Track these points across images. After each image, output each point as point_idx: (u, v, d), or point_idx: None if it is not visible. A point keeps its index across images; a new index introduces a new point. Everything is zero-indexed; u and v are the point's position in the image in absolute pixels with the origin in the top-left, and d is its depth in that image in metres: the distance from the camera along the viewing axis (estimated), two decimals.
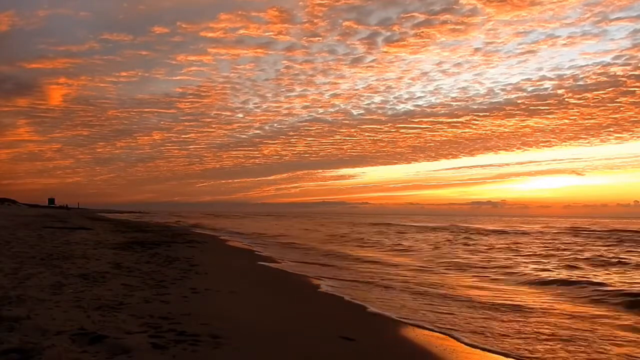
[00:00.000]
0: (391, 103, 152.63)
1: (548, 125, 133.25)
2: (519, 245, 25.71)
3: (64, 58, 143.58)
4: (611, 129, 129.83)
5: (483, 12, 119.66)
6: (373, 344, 6.17)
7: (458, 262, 17.22)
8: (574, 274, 13.86)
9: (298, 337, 6.08)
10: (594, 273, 14.20)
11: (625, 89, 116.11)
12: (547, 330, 7.28)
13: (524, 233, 38.83)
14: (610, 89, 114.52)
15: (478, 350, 6.14)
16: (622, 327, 7.67)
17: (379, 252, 22.02)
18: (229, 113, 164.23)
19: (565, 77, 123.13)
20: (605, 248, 23.59)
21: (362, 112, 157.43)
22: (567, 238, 31.96)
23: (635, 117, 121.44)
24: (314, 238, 31.33)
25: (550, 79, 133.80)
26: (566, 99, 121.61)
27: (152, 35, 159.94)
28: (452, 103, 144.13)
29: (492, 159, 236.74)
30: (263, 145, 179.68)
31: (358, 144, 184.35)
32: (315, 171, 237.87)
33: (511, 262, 17.31)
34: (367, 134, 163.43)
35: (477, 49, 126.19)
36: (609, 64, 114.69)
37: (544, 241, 28.93)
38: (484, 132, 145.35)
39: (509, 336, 6.86)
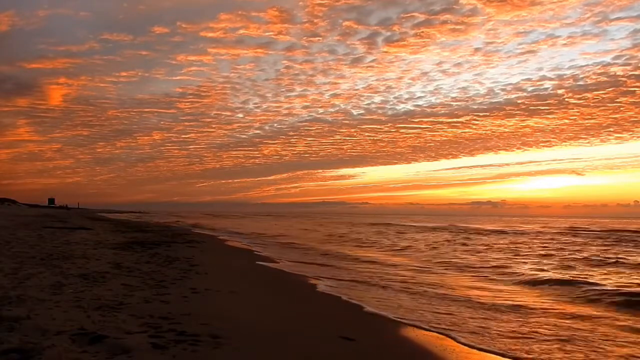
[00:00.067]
0: (391, 103, 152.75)
1: (548, 125, 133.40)
2: (517, 245, 25.73)
3: (64, 58, 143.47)
4: (611, 129, 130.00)
5: (483, 12, 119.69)
6: (373, 344, 6.18)
7: (457, 262, 17.24)
8: (571, 274, 13.88)
9: (298, 337, 6.10)
10: (591, 273, 14.23)
11: (625, 89, 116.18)
12: (544, 331, 7.30)
13: (523, 233, 38.85)
14: (610, 89, 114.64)
15: (478, 351, 6.15)
16: (619, 327, 7.69)
17: (377, 252, 22.04)
18: (229, 113, 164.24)
19: (565, 77, 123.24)
20: (604, 248, 23.61)
21: (362, 112, 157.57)
22: (566, 238, 31.98)
23: (635, 117, 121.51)
24: (313, 238, 31.34)
25: (551, 79, 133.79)
26: (566, 99, 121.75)
27: (152, 35, 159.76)
28: (452, 103, 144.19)
29: (492, 159, 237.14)
30: (263, 145, 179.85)
31: (358, 144, 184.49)
32: (315, 171, 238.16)
33: (510, 262, 17.32)
34: (367, 134, 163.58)
35: (477, 49, 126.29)
36: (609, 64, 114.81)
37: (543, 241, 28.95)
38: (484, 132, 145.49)
39: (507, 336, 6.87)
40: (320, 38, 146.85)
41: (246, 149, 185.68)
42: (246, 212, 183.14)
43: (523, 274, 13.79)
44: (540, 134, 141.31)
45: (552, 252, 21.10)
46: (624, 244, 26.73)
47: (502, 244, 26.81)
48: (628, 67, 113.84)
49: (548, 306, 9.41)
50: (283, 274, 12.97)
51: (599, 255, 19.33)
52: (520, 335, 6.99)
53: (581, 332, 7.26)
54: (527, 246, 25.02)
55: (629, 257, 18.55)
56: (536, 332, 7.20)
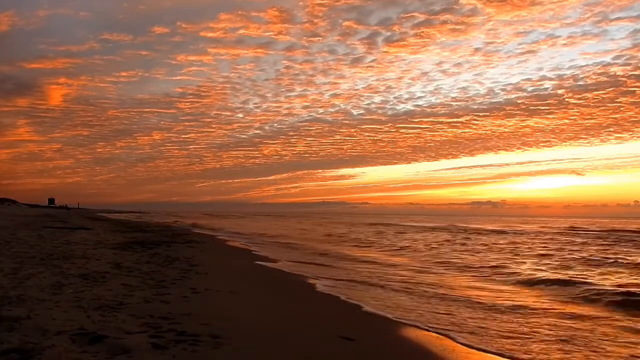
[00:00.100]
0: (391, 103, 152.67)
1: (548, 125, 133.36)
2: (516, 245, 25.74)
3: (64, 58, 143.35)
4: (611, 129, 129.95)
5: (483, 12, 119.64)
6: (373, 344, 6.19)
7: (456, 262, 17.25)
8: (570, 274, 13.88)
9: (298, 337, 6.10)
10: (590, 273, 14.24)
11: (625, 89, 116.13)
12: (543, 331, 7.31)
13: (522, 233, 38.89)
14: (611, 89, 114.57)
15: (477, 351, 6.16)
16: (618, 327, 7.70)
17: (377, 252, 22.06)
18: (229, 113, 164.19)
19: (565, 77, 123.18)
20: (603, 248, 23.63)
21: (362, 112, 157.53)
22: (565, 238, 32.01)
23: (635, 117, 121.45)
24: (313, 238, 31.36)
25: (551, 79, 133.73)
26: (566, 99, 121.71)
27: (152, 35, 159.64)
28: (452, 103, 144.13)
29: (492, 159, 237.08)
30: (263, 145, 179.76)
31: (358, 144, 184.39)
32: (315, 171, 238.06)
33: (509, 262, 17.34)
34: (367, 134, 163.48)
35: (477, 49, 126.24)
36: (609, 64, 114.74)
37: (542, 241, 28.98)
38: (484, 132, 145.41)
39: (506, 337, 6.88)
40: (320, 38, 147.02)
41: (246, 149, 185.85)
42: (246, 212, 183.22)
43: (522, 274, 13.80)
44: (540, 134, 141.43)
45: (551, 252, 21.11)
46: (622, 243, 26.75)
47: (501, 244, 26.82)
48: (628, 67, 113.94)
49: (547, 306, 9.42)
50: (283, 274, 12.98)
51: (598, 255, 19.35)
52: (519, 335, 6.99)
53: (580, 332, 7.27)
54: (526, 246, 25.03)
55: (628, 257, 18.56)
56: (535, 332, 7.21)
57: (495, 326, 7.49)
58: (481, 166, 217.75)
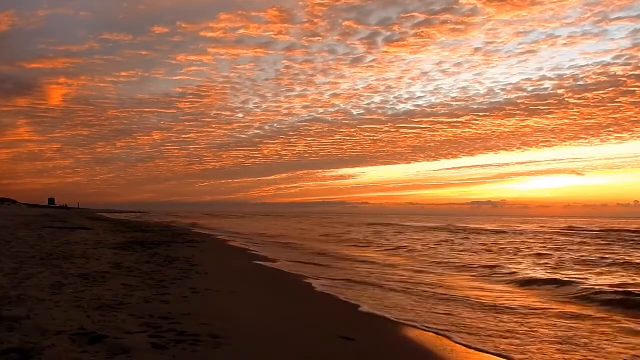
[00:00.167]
0: (391, 103, 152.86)
1: (548, 125, 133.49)
2: (515, 245, 25.76)
3: (64, 58, 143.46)
4: (611, 129, 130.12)
5: (483, 12, 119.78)
6: (373, 344, 6.19)
7: (454, 262, 17.27)
8: (568, 274, 13.90)
9: (298, 337, 6.10)
10: (586, 273, 14.27)
11: (625, 89, 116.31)
12: (542, 331, 7.32)
13: (521, 233, 38.92)
14: (611, 89, 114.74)
15: (476, 351, 6.16)
16: (616, 328, 7.70)
17: (376, 252, 22.08)
18: (229, 113, 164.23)
19: (565, 77, 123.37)
20: (601, 248, 23.65)
21: (362, 112, 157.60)
22: (563, 238, 32.05)
23: (635, 117, 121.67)
24: (312, 238, 31.37)
25: (551, 79, 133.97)
26: (566, 99, 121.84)
27: (152, 35, 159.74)
28: (452, 103, 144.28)
29: (492, 159, 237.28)
30: (263, 145, 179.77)
31: (358, 144, 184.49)
32: (315, 171, 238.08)
33: (507, 262, 17.37)
34: (367, 134, 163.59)
35: (477, 49, 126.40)
36: (609, 64, 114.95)
37: (540, 241, 29.03)
38: (484, 132, 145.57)
39: (505, 337, 6.89)
40: (320, 38, 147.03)
41: (246, 149, 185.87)
42: (246, 212, 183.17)
43: (520, 274, 13.81)
44: (540, 134, 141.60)
45: (549, 252, 21.15)
46: (621, 243, 26.78)
47: (500, 244, 26.85)
48: (628, 67, 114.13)
49: (545, 306, 9.44)
50: (282, 274, 12.98)
51: (596, 255, 19.37)
52: (518, 335, 7.00)
53: (578, 333, 7.28)
54: (524, 246, 25.06)
55: (627, 257, 18.59)
56: (534, 332, 7.22)
57: (494, 326, 7.49)
58: (481, 166, 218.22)
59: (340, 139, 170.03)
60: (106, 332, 5.21)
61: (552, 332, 7.23)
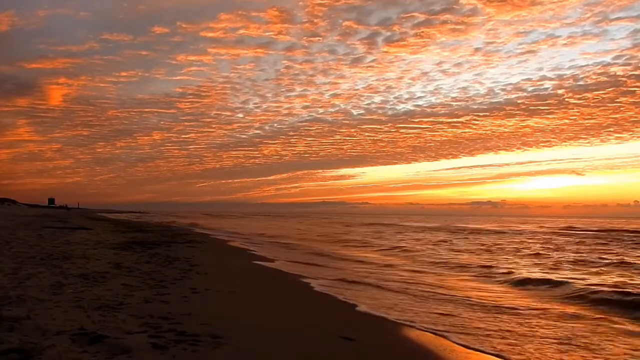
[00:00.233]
0: (391, 103, 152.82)
1: (548, 125, 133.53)
2: (513, 245, 25.77)
3: (64, 58, 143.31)
4: (611, 129, 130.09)
5: (483, 12, 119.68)
6: (373, 344, 6.20)
7: (453, 262, 17.26)
8: (565, 274, 13.91)
9: (298, 337, 6.11)
10: (584, 273, 14.29)
11: (625, 89, 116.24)
12: (540, 331, 7.33)
13: (520, 233, 38.96)
14: (611, 89, 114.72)
15: (476, 352, 6.16)
16: (613, 328, 7.72)
17: (375, 252, 22.08)
18: (229, 113, 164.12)
19: (565, 77, 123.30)
20: (599, 248, 23.67)
21: (362, 112, 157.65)
22: (561, 238, 32.08)
23: (635, 117, 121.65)
24: (312, 238, 31.39)
25: (551, 79, 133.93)
26: (566, 99, 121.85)
27: (152, 35, 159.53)
28: (452, 103, 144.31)
29: (492, 159, 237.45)
30: (263, 145, 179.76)
31: (358, 144, 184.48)
32: (315, 171, 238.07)
33: (505, 262, 17.40)
34: (367, 134, 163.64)
35: (477, 49, 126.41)
36: (609, 64, 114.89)
37: (538, 241, 29.09)
38: (484, 132, 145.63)
39: (503, 337, 6.90)
40: (320, 38, 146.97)
41: (246, 149, 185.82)
42: (246, 212, 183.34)
43: (518, 274, 13.80)
44: (540, 134, 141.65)
45: (547, 252, 21.18)
46: (619, 243, 26.80)
47: (498, 244, 26.87)
48: (628, 67, 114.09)
49: (544, 306, 9.45)
50: (282, 274, 12.98)
51: (594, 255, 19.39)
52: (516, 335, 7.00)
53: (577, 332, 7.29)
54: (523, 246, 25.07)
55: (625, 257, 18.58)
56: (532, 332, 7.23)
57: (493, 326, 7.50)
58: (481, 166, 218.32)
59: (340, 139, 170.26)
60: (106, 332, 5.21)
61: (552, 333, 7.23)
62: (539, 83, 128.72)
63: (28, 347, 4.54)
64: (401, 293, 10.43)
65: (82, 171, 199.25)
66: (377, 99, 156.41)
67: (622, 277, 13.46)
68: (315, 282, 11.50)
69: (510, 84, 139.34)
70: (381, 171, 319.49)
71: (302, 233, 37.96)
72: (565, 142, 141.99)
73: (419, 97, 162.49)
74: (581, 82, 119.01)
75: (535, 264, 16.96)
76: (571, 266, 16.13)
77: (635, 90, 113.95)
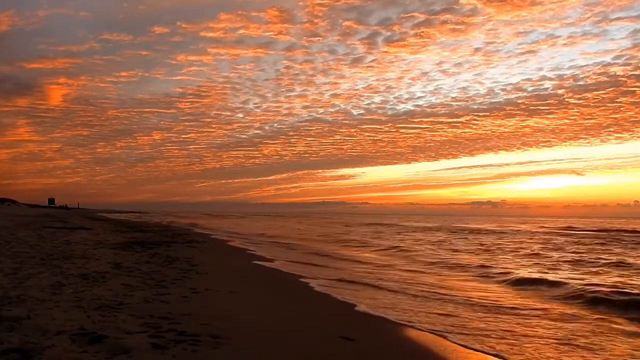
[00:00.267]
0: (391, 103, 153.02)
1: (548, 125, 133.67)
2: (512, 245, 25.77)
3: (64, 58, 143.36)
4: (611, 129, 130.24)
5: (483, 12, 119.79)
6: (373, 344, 6.20)
7: (452, 262, 17.27)
8: (563, 274, 13.92)
9: (298, 337, 6.11)
10: (583, 273, 14.29)
11: (625, 89, 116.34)
12: (539, 331, 7.33)
13: (520, 233, 38.97)
14: (611, 89, 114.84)
15: (475, 352, 6.17)
16: (612, 328, 7.72)
17: (374, 252, 22.08)
18: (229, 113, 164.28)
19: (565, 77, 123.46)
20: (597, 248, 23.67)
21: (362, 112, 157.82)
22: (560, 238, 32.09)
23: (635, 117, 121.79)
24: (312, 238, 31.39)
25: (551, 79, 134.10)
26: (566, 99, 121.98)
27: (152, 35, 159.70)
28: (452, 103, 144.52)
29: (492, 159, 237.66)
30: (263, 145, 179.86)
31: (358, 144, 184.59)
32: (315, 171, 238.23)
33: (503, 262, 17.40)
34: (367, 134, 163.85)
35: (477, 49, 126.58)
36: (609, 64, 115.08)
37: (537, 241, 29.09)
38: (484, 132, 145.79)
39: (503, 337, 6.90)
40: (320, 38, 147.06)
41: (246, 149, 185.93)
42: (246, 212, 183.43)
43: (517, 274, 13.80)
44: (540, 134, 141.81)
45: (546, 252, 21.17)
46: (615, 243, 26.81)
47: (498, 244, 26.88)
48: (628, 67, 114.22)
49: (542, 306, 9.45)
50: (282, 274, 12.99)
51: (593, 255, 19.39)
52: (516, 335, 7.00)
53: (575, 332, 7.29)
54: (522, 246, 25.08)
55: (624, 257, 18.59)
56: (531, 332, 7.24)
57: (493, 326, 7.50)
58: (481, 166, 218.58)
59: (340, 139, 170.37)
60: (106, 332, 5.21)
61: (550, 333, 7.24)
62: (539, 83, 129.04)
63: (28, 347, 4.54)
64: (401, 293, 10.44)
65: (82, 171, 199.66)
66: (377, 99, 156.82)
67: (621, 277, 13.46)
68: (315, 282, 11.50)
69: (510, 84, 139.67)
70: (381, 171, 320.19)
71: (301, 233, 37.96)
72: (565, 142, 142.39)
73: (419, 97, 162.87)
74: (581, 82, 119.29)
75: (535, 264, 16.97)
76: (571, 266, 16.14)
77: (635, 90, 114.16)
